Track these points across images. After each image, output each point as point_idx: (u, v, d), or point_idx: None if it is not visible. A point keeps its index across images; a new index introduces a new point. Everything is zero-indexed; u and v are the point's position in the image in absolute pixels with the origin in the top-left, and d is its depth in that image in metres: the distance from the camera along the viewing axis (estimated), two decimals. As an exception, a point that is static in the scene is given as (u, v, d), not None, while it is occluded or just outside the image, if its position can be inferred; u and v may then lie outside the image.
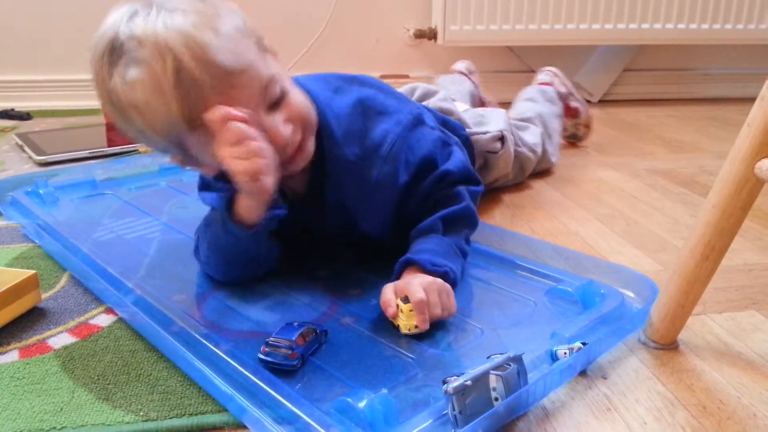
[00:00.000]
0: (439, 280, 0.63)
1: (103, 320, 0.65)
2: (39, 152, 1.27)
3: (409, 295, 0.61)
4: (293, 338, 0.55)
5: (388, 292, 0.63)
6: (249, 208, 0.66)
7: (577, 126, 1.40)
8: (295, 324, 0.58)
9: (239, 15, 0.63)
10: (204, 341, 0.57)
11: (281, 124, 0.63)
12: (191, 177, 1.15)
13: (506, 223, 0.95)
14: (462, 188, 0.75)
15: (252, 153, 0.59)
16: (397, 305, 0.61)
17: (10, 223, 0.93)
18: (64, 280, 0.74)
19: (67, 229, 0.86)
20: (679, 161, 1.32)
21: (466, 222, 0.75)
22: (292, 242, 0.75)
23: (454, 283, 0.67)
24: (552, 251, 0.80)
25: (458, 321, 0.64)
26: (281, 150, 0.63)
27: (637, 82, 2.07)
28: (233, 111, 0.58)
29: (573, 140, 1.43)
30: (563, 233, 0.92)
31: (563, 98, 1.34)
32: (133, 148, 1.33)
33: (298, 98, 0.66)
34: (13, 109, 1.71)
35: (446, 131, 0.84)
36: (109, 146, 1.34)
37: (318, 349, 0.58)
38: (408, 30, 1.90)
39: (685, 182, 1.17)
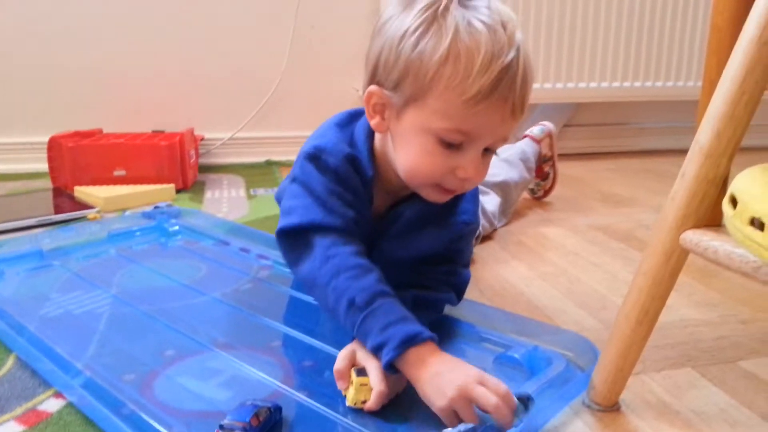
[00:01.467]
0: None
1: (52, 405, 0.64)
2: (-18, 222, 1.24)
3: (372, 381, 0.61)
4: (247, 420, 0.56)
5: (343, 362, 0.64)
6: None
7: (539, 185, 1.47)
8: (248, 403, 0.59)
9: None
10: (157, 426, 0.57)
11: (478, 167, 0.68)
12: (142, 244, 1.15)
13: (455, 285, 0.98)
14: (450, 290, 0.80)
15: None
16: (350, 375, 0.62)
17: (-48, 300, 0.90)
18: (10, 362, 0.73)
19: (12, 306, 0.85)
20: (617, 216, 1.38)
21: (435, 311, 0.78)
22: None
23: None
24: (500, 315, 0.82)
25: (411, 391, 0.66)
26: (459, 182, 0.69)
27: (578, 137, 2.18)
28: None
29: (533, 195, 1.50)
30: (510, 293, 0.95)
31: (542, 161, 1.40)
32: (81, 215, 1.32)
33: (490, 166, 0.72)
34: (-46, 174, 1.67)
35: None
36: (57, 213, 1.32)
37: (273, 428, 0.59)
38: (357, 90, 1.95)
39: (623, 237, 1.23)
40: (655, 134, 2.24)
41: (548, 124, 1.46)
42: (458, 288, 0.81)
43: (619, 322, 0.63)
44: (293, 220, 0.71)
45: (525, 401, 0.60)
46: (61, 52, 1.77)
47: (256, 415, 0.57)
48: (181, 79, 1.85)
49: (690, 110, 2.22)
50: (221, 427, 0.56)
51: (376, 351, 0.62)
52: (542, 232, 1.27)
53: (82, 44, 1.78)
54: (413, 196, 0.76)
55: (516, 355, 0.71)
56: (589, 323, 0.86)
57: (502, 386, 0.58)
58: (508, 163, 1.32)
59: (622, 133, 2.23)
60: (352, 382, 0.62)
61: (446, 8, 0.63)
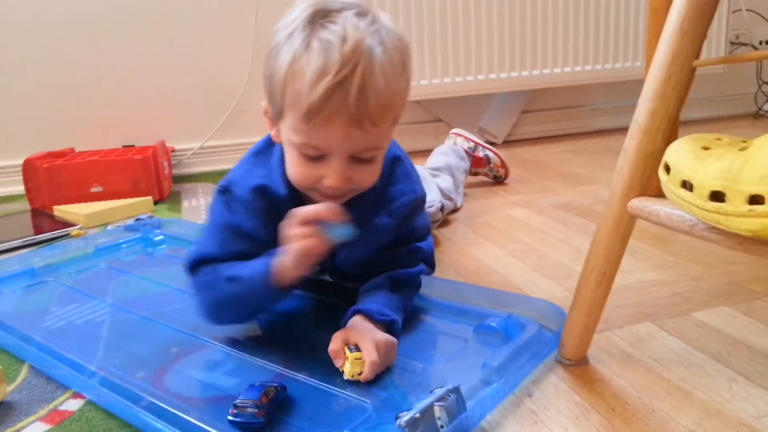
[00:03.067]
0: (390, 338, 0.71)
1: (72, 405, 0.69)
2: (-33, 246, 1.27)
3: (364, 353, 0.68)
4: (258, 397, 0.62)
5: (338, 342, 0.71)
6: (288, 274, 0.71)
7: (493, 169, 1.57)
8: (257, 384, 0.65)
9: (408, 79, 0.71)
10: (174, 411, 0.63)
11: (343, 176, 0.70)
12: (129, 255, 1.20)
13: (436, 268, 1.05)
14: (421, 263, 0.86)
15: (314, 234, 0.67)
16: (344, 352, 0.69)
17: (-46, 321, 0.94)
18: (24, 371, 0.77)
19: (16, 321, 0.89)
20: (577, 194, 1.47)
21: (412, 286, 0.85)
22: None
23: (396, 333, 0.76)
24: (476, 291, 0.90)
25: (401, 362, 0.73)
26: (322, 189, 0.71)
27: (535, 122, 2.27)
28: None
29: (498, 180, 1.60)
30: (483, 271, 1.03)
31: (469, 152, 1.51)
32: (64, 233, 1.35)
33: (375, 168, 0.73)
34: (-72, 203, 1.68)
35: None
36: (37, 233, 1.35)
37: (280, 405, 0.65)
38: (321, 92, 2.01)
39: (584, 213, 1.31)
40: (608, 114, 2.35)
41: (452, 131, 1.59)
42: (426, 260, 0.87)
43: (580, 285, 0.70)
44: (188, 256, 0.80)
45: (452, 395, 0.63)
46: (27, 74, 1.79)
47: (265, 393, 0.63)
48: (147, 93, 1.88)
49: (640, 89, 2.34)
50: (235, 405, 0.62)
51: (264, 275, 0.71)
52: (509, 213, 1.35)
53: (48, 65, 1.80)
54: (351, 201, 0.76)
55: (493, 324, 0.78)
56: (557, 292, 0.94)
57: None
58: (443, 154, 1.46)
59: (577, 115, 2.33)
60: (347, 359, 0.69)
61: (299, 28, 0.66)
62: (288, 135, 0.71)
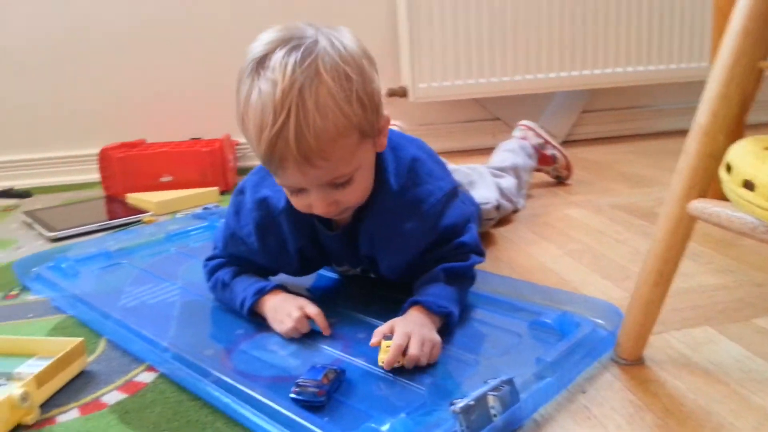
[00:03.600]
0: (432, 337, 0.73)
1: (146, 377, 0.74)
2: (50, 229, 1.36)
3: (393, 339, 0.71)
4: (319, 378, 0.65)
5: (384, 326, 0.75)
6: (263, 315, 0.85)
7: (557, 170, 1.56)
8: (319, 366, 0.68)
9: (369, 93, 0.70)
10: (241, 387, 0.67)
11: (324, 202, 0.73)
12: (197, 242, 1.26)
13: (490, 264, 1.06)
14: (471, 255, 0.86)
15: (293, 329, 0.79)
16: (381, 338, 0.73)
17: (39, 297, 1.01)
18: (102, 345, 0.83)
19: (95, 299, 0.95)
20: (638, 195, 1.45)
21: (467, 278, 0.86)
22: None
23: (453, 325, 0.79)
24: (531, 288, 0.91)
25: (456, 354, 0.75)
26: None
27: (596, 122, 2.24)
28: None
29: (559, 181, 1.60)
30: (540, 270, 1.04)
31: (539, 149, 1.50)
32: (136, 219, 1.42)
33: (359, 185, 0.75)
34: (12, 188, 1.80)
35: (466, 202, 0.99)
36: (111, 218, 1.43)
37: (339, 387, 0.68)
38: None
39: (644, 215, 1.30)
40: (672, 115, 2.29)
41: (523, 122, 1.57)
42: (474, 251, 0.87)
43: (639, 285, 0.71)
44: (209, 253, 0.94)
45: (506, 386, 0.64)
46: (104, 69, 1.89)
47: (326, 375, 0.66)
48: (215, 88, 1.94)
49: (703, 90, 2.27)
50: (297, 384, 0.65)
51: (242, 305, 0.84)
52: (567, 213, 1.34)
53: (123, 62, 1.89)
54: (374, 210, 0.80)
55: (548, 321, 0.79)
56: (614, 292, 0.94)
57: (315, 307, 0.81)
58: (510, 152, 1.43)
59: (640, 115, 2.28)
60: (381, 345, 0.72)
61: (246, 73, 0.70)
62: None
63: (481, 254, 0.88)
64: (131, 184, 1.62)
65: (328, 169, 0.70)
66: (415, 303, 0.78)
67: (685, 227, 0.66)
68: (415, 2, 1.86)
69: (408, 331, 0.72)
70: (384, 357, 0.71)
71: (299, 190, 0.74)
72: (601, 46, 2.01)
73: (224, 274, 0.88)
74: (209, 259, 0.92)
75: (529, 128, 1.55)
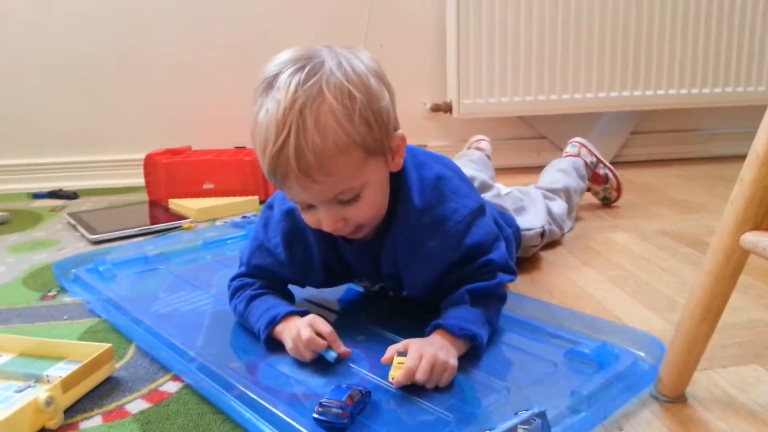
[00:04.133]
0: (446, 360, 0.70)
1: (171, 387, 0.74)
2: (92, 231, 1.38)
3: (406, 359, 0.70)
4: (343, 399, 0.63)
5: (399, 344, 0.74)
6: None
7: (607, 190, 1.52)
8: (344, 386, 0.66)
9: (376, 111, 0.71)
10: (264, 403, 0.65)
11: (331, 219, 0.74)
12: (233, 251, 1.26)
13: (526, 287, 1.03)
14: (498, 273, 0.83)
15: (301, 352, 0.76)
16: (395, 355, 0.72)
17: (76, 299, 1.02)
18: (131, 351, 0.83)
19: (128, 304, 0.96)
20: (686, 222, 1.40)
21: (495, 297, 0.83)
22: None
23: (480, 347, 0.76)
24: (569, 314, 0.87)
25: (487, 380, 0.72)
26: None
27: (645, 144, 2.17)
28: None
29: (606, 202, 1.55)
30: (579, 296, 1.00)
31: (591, 167, 1.46)
32: (176, 225, 1.44)
33: (368, 203, 0.74)
34: (61, 189, 1.85)
35: (501, 223, 0.97)
36: (152, 223, 1.45)
37: (363, 409, 0.66)
38: (425, 104, 2.03)
39: (692, 243, 1.25)
40: (726, 140, 2.21)
41: (576, 139, 1.54)
42: (503, 268, 0.84)
43: (684, 318, 0.67)
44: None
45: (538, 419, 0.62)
46: (151, 75, 1.93)
47: (350, 396, 0.65)
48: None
49: (761, 115, 2.18)
50: (320, 404, 0.63)
51: (259, 336, 0.81)
52: (610, 237, 1.30)
53: (170, 67, 1.93)
54: (397, 228, 0.80)
55: (586, 350, 0.76)
56: (656, 324, 0.89)
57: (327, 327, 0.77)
58: (563, 172, 1.40)
59: (692, 139, 2.21)
60: (394, 361, 0.71)
61: (259, 91, 0.71)
62: None
63: (511, 272, 0.86)
64: (174, 190, 1.64)
65: (331, 185, 0.70)
66: (437, 326, 0.76)
67: (736, 260, 0.62)
68: (463, 18, 1.84)
69: (421, 353, 0.70)
70: (395, 374, 0.69)
71: (308, 206, 0.75)
72: (654, 66, 1.95)
73: (240, 301, 0.86)
74: (233, 278, 0.91)
75: (583, 145, 1.51)
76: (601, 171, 1.50)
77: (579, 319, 0.86)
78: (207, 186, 1.64)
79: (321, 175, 0.68)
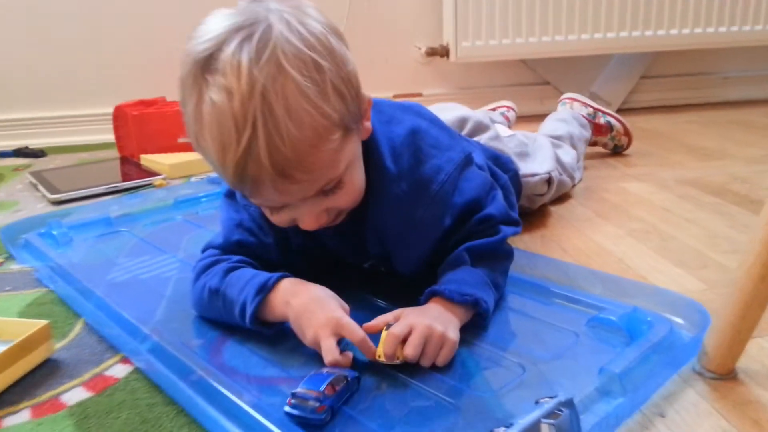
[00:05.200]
0: (445, 334, 0.58)
1: (119, 371, 0.62)
2: (53, 190, 1.25)
3: (393, 325, 0.58)
4: (321, 388, 0.51)
5: (389, 313, 0.62)
6: (274, 318, 0.64)
7: (615, 138, 1.39)
8: (324, 371, 0.54)
9: (346, 79, 0.57)
10: (226, 392, 0.53)
11: (313, 216, 0.62)
12: (208, 209, 1.13)
13: (536, 244, 0.91)
14: (500, 227, 0.71)
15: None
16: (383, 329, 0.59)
17: (24, 266, 0.90)
18: (78, 327, 0.71)
19: (81, 272, 0.83)
20: (707, 169, 1.27)
21: (499, 255, 0.71)
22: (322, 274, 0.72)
23: (485, 314, 0.64)
24: (589, 275, 0.75)
25: (496, 356, 0.60)
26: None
27: (655, 89, 2.03)
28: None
29: (618, 151, 1.42)
30: (597, 253, 0.88)
31: (590, 119, 1.33)
32: (147, 182, 1.31)
33: (351, 185, 0.62)
34: (27, 147, 1.71)
35: (495, 169, 0.83)
36: (125, 181, 1.31)
37: (350, 398, 0.54)
38: (420, 48, 1.87)
39: (716, 191, 1.12)
40: (740, 84, 2.06)
41: (564, 96, 1.40)
42: (505, 221, 0.71)
43: (738, 278, 0.55)
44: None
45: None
46: (120, 22, 1.77)
47: (332, 383, 0.53)
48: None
49: (783, 55, 2.04)
50: (293, 395, 0.52)
51: (242, 315, 0.63)
52: (625, 187, 1.17)
53: (138, 16, 1.77)
54: (382, 201, 0.67)
55: (612, 318, 0.64)
56: (689, 283, 0.78)
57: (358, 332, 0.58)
58: (562, 121, 1.26)
59: (704, 83, 2.06)
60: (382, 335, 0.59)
61: (189, 84, 0.55)
62: None
63: (514, 224, 0.73)
64: (146, 145, 1.50)
65: (312, 181, 0.58)
66: (433, 293, 0.64)
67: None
68: (459, -50, 1.68)
69: (412, 323, 0.58)
70: (379, 349, 0.57)
71: (280, 207, 0.62)
72: (667, 3, 1.79)
73: (212, 276, 0.67)
74: (200, 260, 0.72)
75: (574, 99, 1.38)
76: (602, 120, 1.36)
77: (600, 280, 0.73)
78: (182, 140, 1.50)
79: (301, 172, 0.55)
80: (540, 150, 1.05)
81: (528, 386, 0.55)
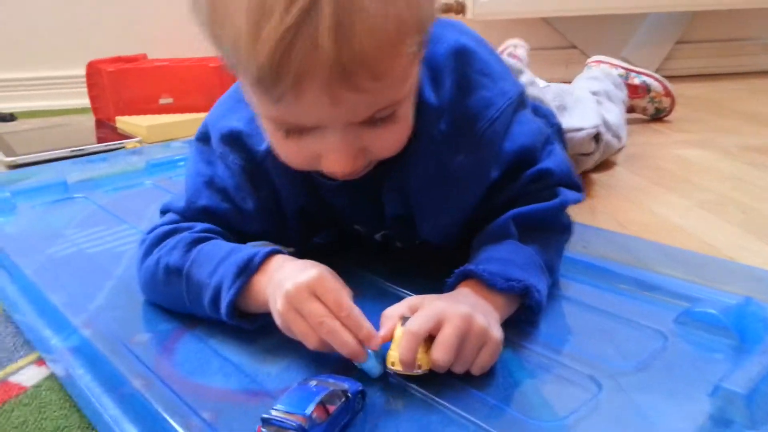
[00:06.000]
0: (479, 322, 0.41)
1: (29, 377, 0.45)
2: (9, 153, 1.08)
3: (411, 319, 0.41)
4: (307, 411, 0.34)
5: (402, 304, 0.44)
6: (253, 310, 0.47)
7: (655, 100, 1.19)
8: (313, 384, 0.37)
9: None
10: (164, 414, 0.36)
11: (349, 153, 0.43)
12: (182, 175, 0.95)
13: (586, 218, 0.73)
14: (560, 189, 0.53)
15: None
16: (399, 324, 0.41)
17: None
18: (-6, 315, 0.54)
19: (15, 245, 0.66)
20: (773, 136, 1.09)
21: (555, 227, 0.53)
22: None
23: (537, 307, 0.47)
24: (661, 254, 0.58)
25: (555, 365, 0.43)
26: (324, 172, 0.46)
27: (693, 55, 1.84)
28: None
29: (659, 115, 1.23)
30: (663, 228, 0.70)
31: (623, 78, 1.14)
32: (119, 145, 1.13)
33: (403, 124, 0.45)
34: (-6, 110, 1.54)
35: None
36: (87, 144, 1.14)
37: (351, 422, 0.37)
38: (433, 4, 1.69)
39: (791, 159, 0.94)
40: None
41: (590, 60, 1.21)
42: (565, 182, 0.54)
43: None
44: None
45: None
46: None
47: (324, 402, 0.36)
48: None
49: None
50: (265, 421, 0.35)
51: (214, 304, 0.46)
52: (681, 155, 1.00)
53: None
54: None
55: (713, 311, 0.46)
56: (790, 266, 0.60)
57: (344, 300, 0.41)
58: (595, 79, 1.07)
59: (745, 49, 1.87)
60: (395, 334, 0.41)
61: None
62: (251, 101, 0.44)
63: (576, 188, 0.55)
64: (123, 106, 1.32)
65: (375, 95, 0.40)
66: (467, 274, 0.47)
67: None
68: None
69: (440, 313, 0.41)
70: (394, 355, 0.40)
71: (307, 130, 0.43)
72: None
73: (170, 250, 0.50)
74: (152, 230, 0.55)
75: (601, 61, 1.19)
76: (636, 80, 1.17)
77: (679, 261, 0.56)
78: (164, 100, 1.32)
79: (370, 76, 0.38)
80: (580, 103, 0.87)
81: (608, 411, 0.38)
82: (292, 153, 0.45)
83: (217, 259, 0.48)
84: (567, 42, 1.79)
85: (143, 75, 1.33)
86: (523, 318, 0.47)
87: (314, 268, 0.43)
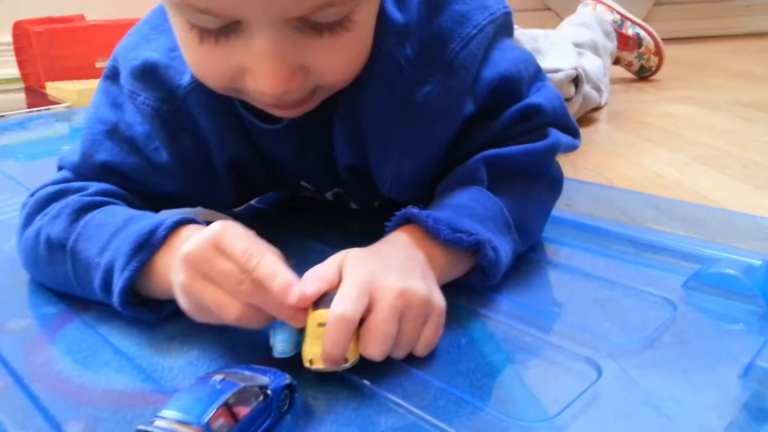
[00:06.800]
0: (421, 295, 0.32)
1: None
2: None
3: (336, 297, 0.31)
4: (204, 419, 0.24)
5: (320, 267, 0.33)
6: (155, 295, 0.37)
7: (643, 57, 1.11)
8: (217, 380, 0.27)
9: None
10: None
11: (283, 73, 0.33)
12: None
13: (567, 173, 0.64)
14: (550, 129, 0.43)
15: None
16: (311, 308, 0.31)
17: None
18: None
19: None
20: (763, 92, 1.01)
21: (539, 178, 0.43)
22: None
23: (492, 268, 0.37)
24: (660, 209, 0.49)
25: (541, 345, 0.34)
26: (250, 95, 0.37)
27: (671, 17, 1.78)
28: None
29: (644, 74, 1.15)
30: (658, 183, 0.62)
31: (616, 28, 1.05)
32: (38, 110, 1.02)
33: (360, 36, 0.35)
34: None
35: None
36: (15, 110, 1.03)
37: (274, 425, 0.28)
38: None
39: (786, 113, 0.87)
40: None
41: None
42: (558, 122, 0.44)
43: None
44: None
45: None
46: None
47: (228, 405, 0.26)
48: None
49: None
50: (151, 425, 0.25)
51: (106, 288, 0.37)
52: (669, 110, 0.92)
53: None
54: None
55: (731, 271, 0.37)
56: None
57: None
58: (584, 26, 0.99)
59: (726, 11, 1.81)
60: (308, 320, 0.31)
61: None
62: None
63: (572, 132, 0.45)
64: (55, 70, 1.20)
65: None
66: (409, 218, 0.37)
67: None
68: None
69: (368, 287, 0.31)
70: (311, 350, 0.30)
71: (227, 29, 0.33)
72: None
73: (53, 219, 0.40)
74: (35, 192, 0.45)
75: (599, 1, 1.09)
76: (630, 30, 1.08)
77: (679, 217, 0.48)
78: (101, 63, 1.20)
79: None
80: (555, 46, 0.78)
81: (610, 403, 0.29)
82: (207, 64, 0.35)
83: (110, 231, 0.38)
84: (540, 4, 1.71)
85: (76, 36, 1.21)
86: (474, 282, 0.38)
87: (216, 224, 0.33)
